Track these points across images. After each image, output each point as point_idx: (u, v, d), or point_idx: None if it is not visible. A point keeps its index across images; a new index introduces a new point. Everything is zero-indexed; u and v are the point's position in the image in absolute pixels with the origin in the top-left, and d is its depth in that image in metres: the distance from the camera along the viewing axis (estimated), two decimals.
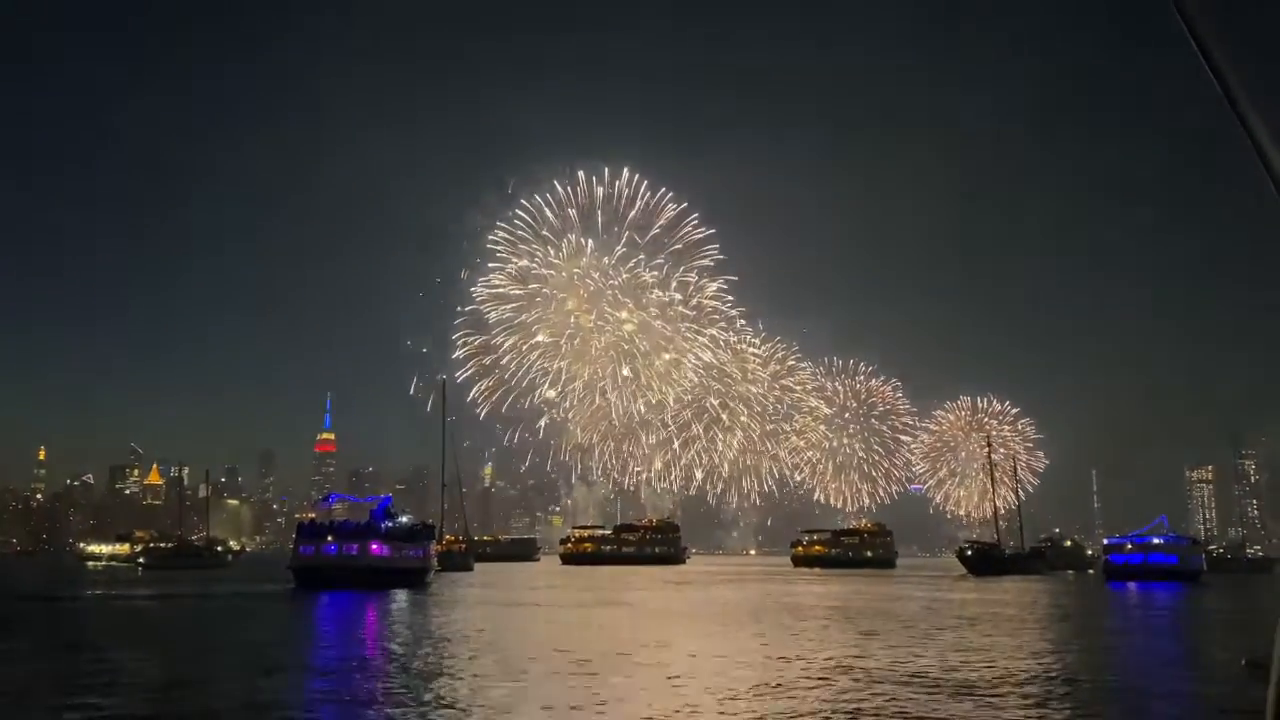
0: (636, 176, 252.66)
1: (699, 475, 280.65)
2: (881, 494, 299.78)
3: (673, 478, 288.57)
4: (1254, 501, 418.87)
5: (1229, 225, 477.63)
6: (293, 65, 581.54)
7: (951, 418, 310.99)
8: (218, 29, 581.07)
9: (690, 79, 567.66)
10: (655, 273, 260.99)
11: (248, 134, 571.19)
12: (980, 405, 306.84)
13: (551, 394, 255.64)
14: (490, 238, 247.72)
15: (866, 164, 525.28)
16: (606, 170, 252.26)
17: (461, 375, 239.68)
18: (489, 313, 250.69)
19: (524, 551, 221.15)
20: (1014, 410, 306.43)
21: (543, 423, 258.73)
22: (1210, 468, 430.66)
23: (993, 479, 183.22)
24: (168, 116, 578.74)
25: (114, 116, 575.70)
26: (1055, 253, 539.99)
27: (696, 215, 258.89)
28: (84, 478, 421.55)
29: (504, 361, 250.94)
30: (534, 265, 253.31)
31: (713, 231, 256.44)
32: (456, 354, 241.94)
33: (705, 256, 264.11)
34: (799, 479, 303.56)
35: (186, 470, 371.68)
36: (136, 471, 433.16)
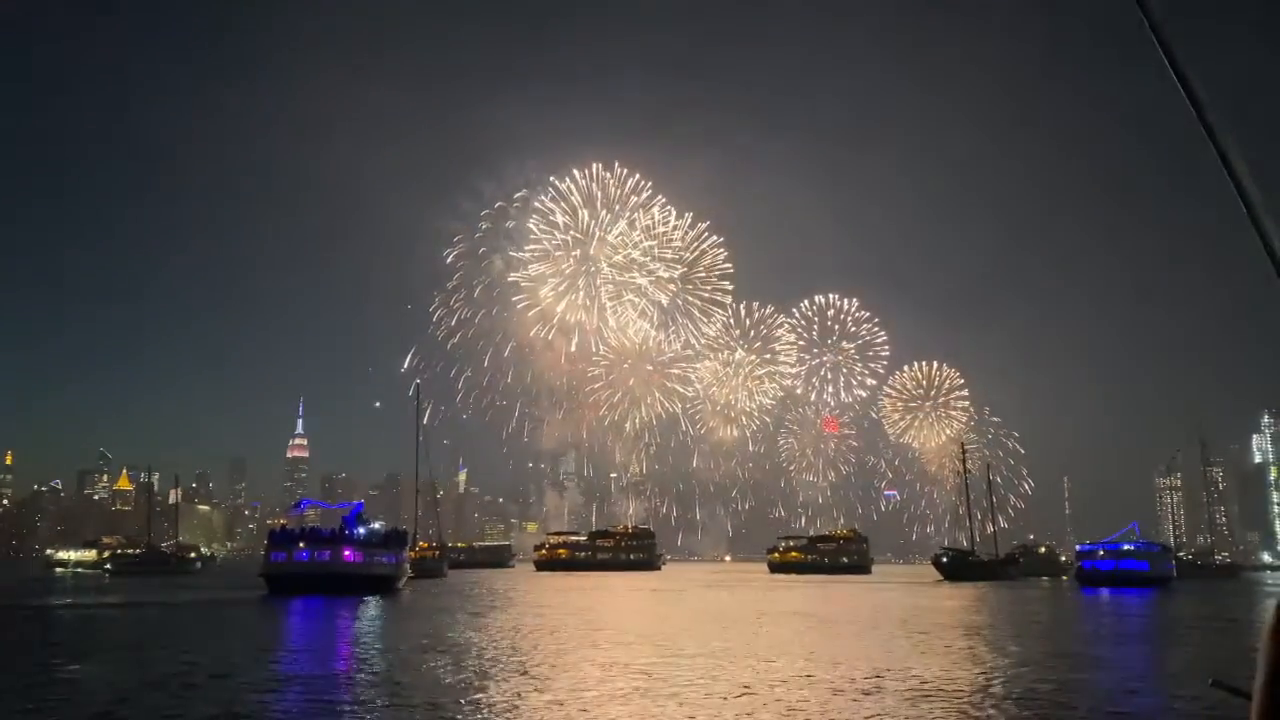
0: (625, 172, 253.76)
1: (672, 504, 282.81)
2: (859, 519, 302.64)
3: (648, 490, 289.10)
4: (1221, 509, 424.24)
5: (1199, 235, 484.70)
6: (276, 72, 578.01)
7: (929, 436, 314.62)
8: (205, 35, 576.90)
9: (678, 84, 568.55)
10: (640, 274, 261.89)
11: (218, 137, 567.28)
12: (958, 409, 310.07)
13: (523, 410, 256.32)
14: (451, 252, 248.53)
15: (852, 163, 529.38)
16: (577, 174, 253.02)
17: (430, 393, 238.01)
18: (453, 334, 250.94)
19: (498, 558, 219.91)
20: (995, 419, 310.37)
21: (511, 427, 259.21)
22: (1179, 475, 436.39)
23: (966, 488, 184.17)
24: (142, 120, 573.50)
25: (89, 117, 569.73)
26: (1029, 256, 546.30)
27: (689, 218, 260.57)
28: (52, 483, 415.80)
29: (465, 379, 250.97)
30: (506, 272, 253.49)
31: (720, 241, 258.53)
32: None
33: (694, 262, 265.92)
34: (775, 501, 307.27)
35: (157, 476, 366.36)
36: (106, 477, 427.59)
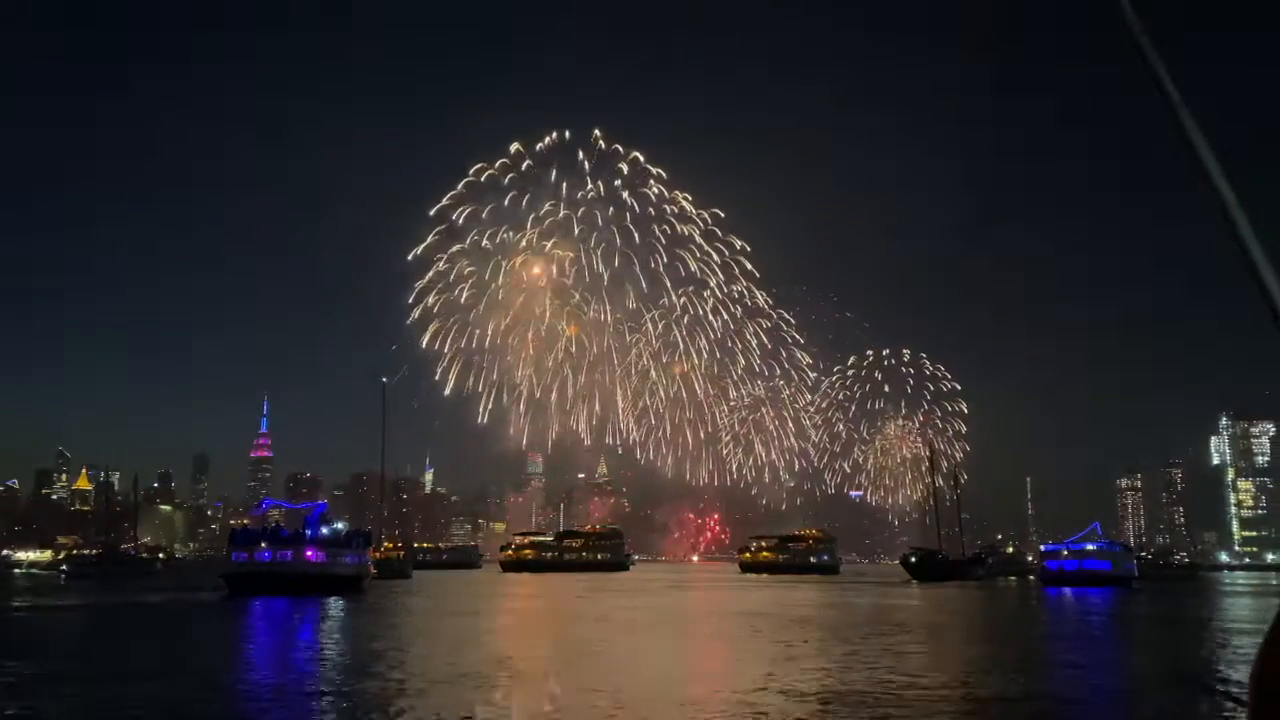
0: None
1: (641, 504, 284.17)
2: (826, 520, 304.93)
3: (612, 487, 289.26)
4: (1180, 510, 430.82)
5: (1160, 236, 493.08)
6: (250, 68, 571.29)
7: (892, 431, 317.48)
8: (184, 32, 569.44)
9: (661, 82, 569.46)
10: (620, 285, 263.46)
11: (190, 133, 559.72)
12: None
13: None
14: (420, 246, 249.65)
15: (801, 164, 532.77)
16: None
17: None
18: (421, 332, 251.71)
19: (465, 559, 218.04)
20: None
21: (480, 427, 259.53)
22: (1139, 477, 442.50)
23: (935, 489, 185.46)
24: (108, 117, 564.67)
25: (54, 115, 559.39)
26: (986, 256, 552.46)
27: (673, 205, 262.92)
28: (9, 483, 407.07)
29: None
30: (473, 265, 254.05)
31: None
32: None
33: (684, 252, 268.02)
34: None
35: (116, 475, 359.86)
36: (65, 477, 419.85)
